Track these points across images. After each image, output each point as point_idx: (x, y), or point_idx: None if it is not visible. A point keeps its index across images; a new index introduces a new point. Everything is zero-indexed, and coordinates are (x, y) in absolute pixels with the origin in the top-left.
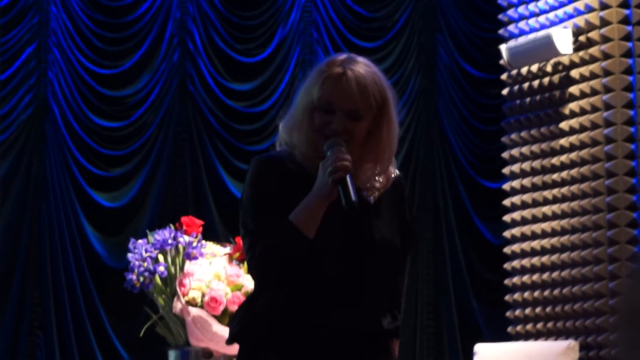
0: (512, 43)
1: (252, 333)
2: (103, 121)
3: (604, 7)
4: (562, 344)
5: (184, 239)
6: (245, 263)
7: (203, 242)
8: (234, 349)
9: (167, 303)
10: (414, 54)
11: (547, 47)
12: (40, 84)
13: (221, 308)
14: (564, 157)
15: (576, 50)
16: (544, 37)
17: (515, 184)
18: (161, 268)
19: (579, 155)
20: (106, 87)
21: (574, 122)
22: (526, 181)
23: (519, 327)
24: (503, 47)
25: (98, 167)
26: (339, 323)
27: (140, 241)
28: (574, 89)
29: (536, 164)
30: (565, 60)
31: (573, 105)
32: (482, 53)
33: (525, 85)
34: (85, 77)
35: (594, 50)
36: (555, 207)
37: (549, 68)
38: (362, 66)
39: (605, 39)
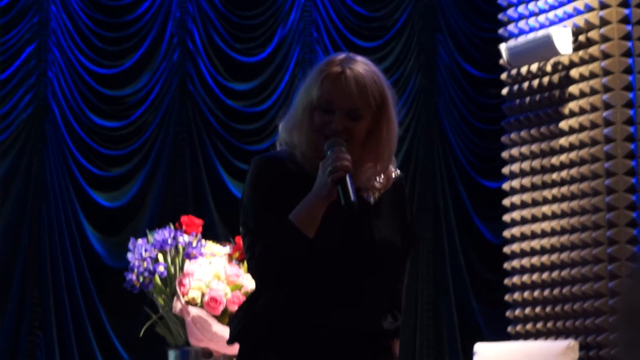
0: (511, 43)
1: (252, 333)
2: (103, 121)
3: (603, 6)
4: (561, 344)
5: (183, 238)
6: (245, 263)
7: (203, 241)
8: (234, 348)
9: (167, 303)
10: (413, 53)
11: (546, 47)
12: (40, 84)
13: (221, 308)
14: (563, 157)
15: (576, 49)
16: (544, 36)
17: (515, 183)
18: (161, 268)
19: (579, 154)
20: (106, 86)
21: (573, 122)
22: (526, 181)
23: (518, 327)
24: (503, 47)
25: (98, 167)
26: (339, 323)
27: (140, 241)
28: (573, 89)
29: (536, 163)
30: (564, 59)
31: (573, 105)
32: (482, 53)
33: (525, 84)
34: (85, 76)
35: (593, 50)
36: (555, 207)
37: (548, 68)
38: (361, 65)
39: (605, 39)
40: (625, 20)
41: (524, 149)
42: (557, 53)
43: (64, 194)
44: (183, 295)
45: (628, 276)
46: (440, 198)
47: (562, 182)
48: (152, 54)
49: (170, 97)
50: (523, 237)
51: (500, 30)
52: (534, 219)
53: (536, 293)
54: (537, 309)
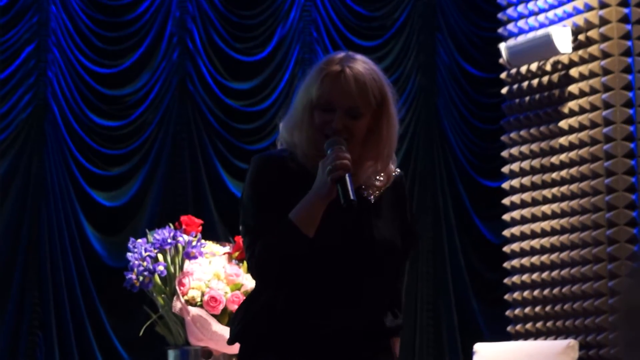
0: (511, 42)
1: (253, 333)
2: (103, 120)
3: (603, 5)
4: (561, 343)
5: (183, 238)
6: (245, 262)
7: (202, 241)
8: (234, 348)
9: (167, 302)
10: (413, 53)
11: (546, 46)
12: (40, 84)
13: (221, 307)
14: (563, 156)
15: (575, 49)
16: (544, 36)
17: (515, 182)
18: (161, 267)
19: (579, 154)
20: (106, 86)
21: (573, 121)
22: (526, 180)
23: (518, 327)
24: (502, 46)
25: (98, 167)
26: (339, 323)
27: (139, 240)
28: (573, 88)
29: (535, 162)
30: (564, 59)
31: (572, 104)
32: (481, 52)
33: (525, 84)
34: (84, 76)
35: (593, 49)
36: (555, 206)
37: (548, 67)
38: (361, 64)
39: (605, 38)
40: (624, 19)
41: (524, 148)
42: (556, 52)
43: (63, 194)
44: (183, 295)
45: (628, 275)
46: (440, 197)
47: (562, 182)
48: (152, 53)
49: (170, 96)
50: (523, 237)
51: (500, 30)
52: (534, 218)
53: (536, 292)
54: (537, 309)
